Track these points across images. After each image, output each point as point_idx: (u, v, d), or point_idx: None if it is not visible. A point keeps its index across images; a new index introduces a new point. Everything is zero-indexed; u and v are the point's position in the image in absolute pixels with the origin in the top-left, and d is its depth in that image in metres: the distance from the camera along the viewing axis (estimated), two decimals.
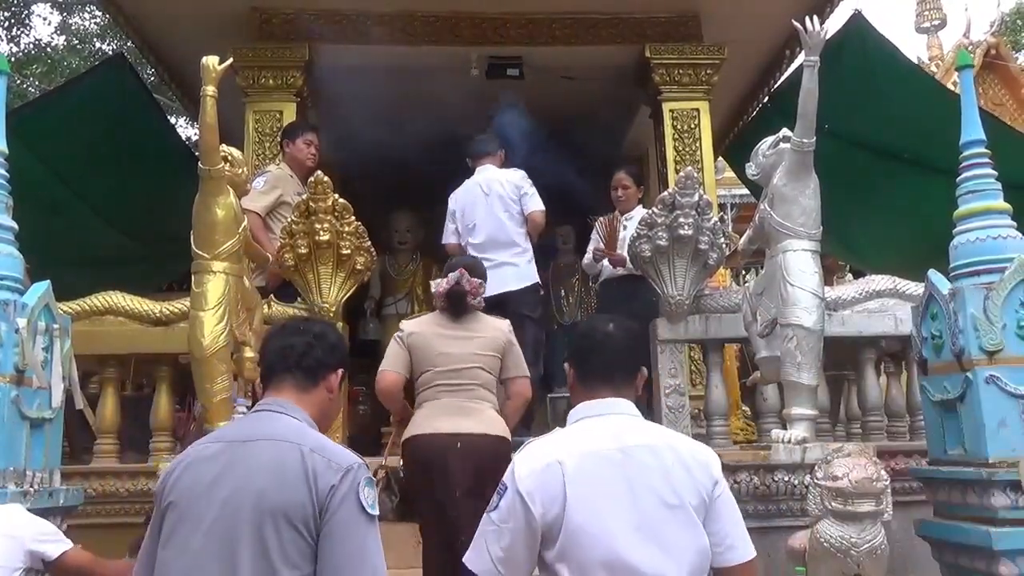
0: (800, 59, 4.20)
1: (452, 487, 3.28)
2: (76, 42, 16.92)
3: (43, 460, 3.37)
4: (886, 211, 6.82)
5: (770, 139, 4.25)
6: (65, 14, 17.07)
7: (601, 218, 5.68)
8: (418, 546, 3.68)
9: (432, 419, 3.40)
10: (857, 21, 6.28)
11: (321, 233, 4.26)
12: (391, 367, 3.53)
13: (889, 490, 3.32)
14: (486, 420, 3.42)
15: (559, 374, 5.73)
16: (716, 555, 1.97)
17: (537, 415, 5.22)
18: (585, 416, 2.07)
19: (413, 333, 3.54)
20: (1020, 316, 3.32)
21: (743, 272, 11.42)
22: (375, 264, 4.73)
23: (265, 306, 4.35)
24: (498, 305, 4.33)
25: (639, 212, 5.36)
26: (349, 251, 4.35)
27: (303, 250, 4.31)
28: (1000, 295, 3.33)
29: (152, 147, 6.82)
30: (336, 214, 4.31)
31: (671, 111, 6.46)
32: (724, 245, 4.70)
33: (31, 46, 16.46)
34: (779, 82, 7.30)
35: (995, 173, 3.64)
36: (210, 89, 3.58)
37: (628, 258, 4.95)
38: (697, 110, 6.47)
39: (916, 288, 4.48)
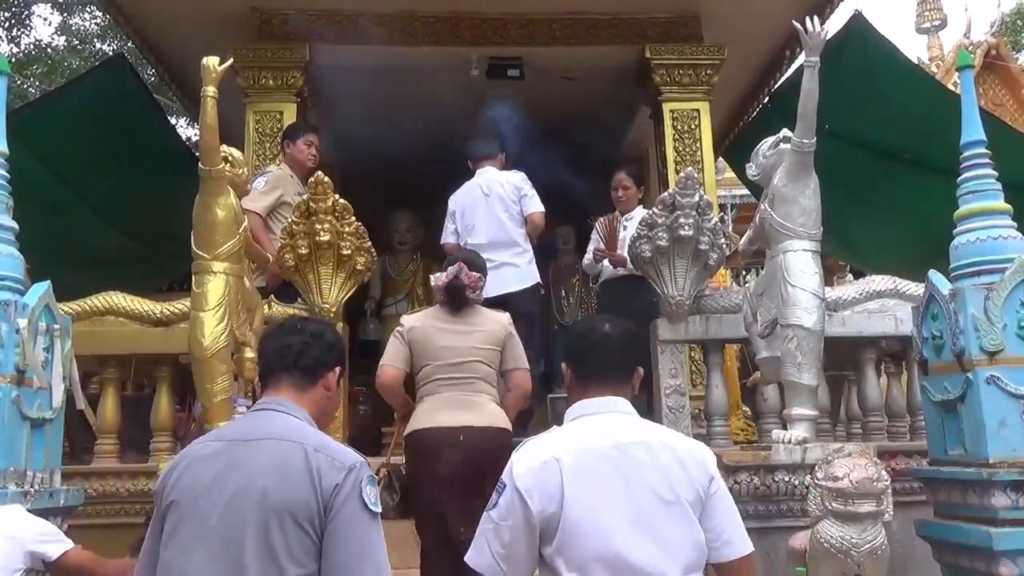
0: (800, 59, 4.20)
1: (455, 480, 3.29)
2: (76, 42, 16.93)
3: (44, 460, 3.37)
4: (886, 211, 6.82)
5: (770, 139, 4.25)
6: (65, 15, 17.09)
7: (601, 218, 5.69)
8: (418, 545, 3.69)
9: (434, 413, 3.42)
10: (857, 21, 6.28)
11: (321, 233, 4.26)
12: (391, 362, 3.55)
13: (889, 490, 3.32)
14: (487, 413, 3.45)
15: (559, 374, 5.75)
16: (713, 550, 2.00)
17: (537, 415, 5.23)
18: (582, 415, 2.10)
19: (413, 328, 3.57)
20: (1020, 316, 3.32)
21: (743, 272, 11.42)
22: (375, 264, 4.73)
23: (265, 306, 4.35)
24: (500, 306, 4.33)
25: (639, 212, 5.36)
26: (349, 251, 4.35)
27: (303, 250, 4.31)
28: (1000, 295, 3.33)
29: (152, 147, 6.82)
30: (336, 214, 4.31)
31: (671, 111, 6.46)
32: (724, 245, 4.70)
33: (31, 46, 16.47)
34: (779, 82, 7.30)
35: (995, 173, 3.64)
36: (210, 90, 3.58)
37: (628, 258, 4.96)
38: (697, 110, 6.47)
39: (916, 288, 4.48)
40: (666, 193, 4.57)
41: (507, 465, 2.04)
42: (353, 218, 4.37)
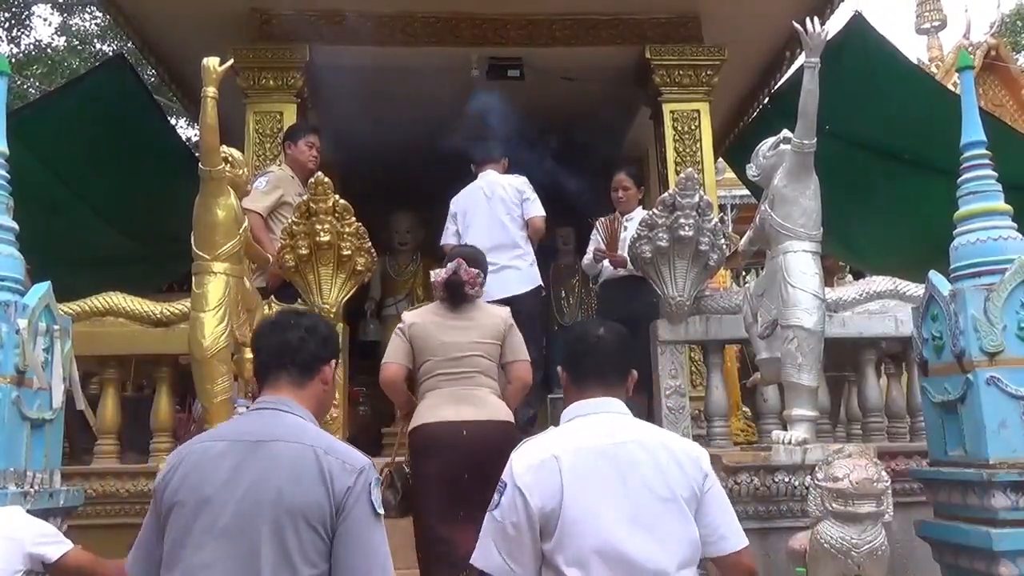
0: (800, 60, 4.19)
1: (459, 474, 3.32)
2: (76, 43, 16.93)
3: (43, 461, 3.37)
4: (886, 212, 6.82)
5: (771, 140, 4.24)
6: (65, 15, 17.08)
7: (602, 219, 5.69)
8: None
9: (436, 408, 3.46)
10: (857, 22, 6.28)
11: (322, 234, 4.25)
12: (393, 359, 3.60)
13: (889, 491, 3.31)
14: (489, 406, 3.50)
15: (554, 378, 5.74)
16: (710, 545, 2.07)
17: (538, 414, 5.24)
18: (578, 415, 2.17)
19: (413, 324, 3.61)
20: (1021, 317, 3.32)
21: (743, 273, 11.42)
22: (375, 265, 4.73)
23: (265, 307, 4.35)
24: None
25: (639, 213, 5.36)
26: (350, 252, 4.35)
27: (304, 251, 4.31)
28: (1001, 296, 3.32)
29: (152, 148, 6.82)
30: (337, 215, 4.30)
31: (671, 112, 6.46)
32: (724, 246, 4.70)
33: (31, 47, 16.48)
34: (779, 83, 7.30)
35: (995, 174, 3.64)
36: (211, 90, 3.58)
37: (628, 259, 4.96)
38: (697, 111, 6.47)
39: (917, 289, 4.48)
40: (666, 194, 4.57)
41: (507, 465, 2.08)
42: (353, 219, 4.37)
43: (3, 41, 15.95)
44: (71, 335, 3.66)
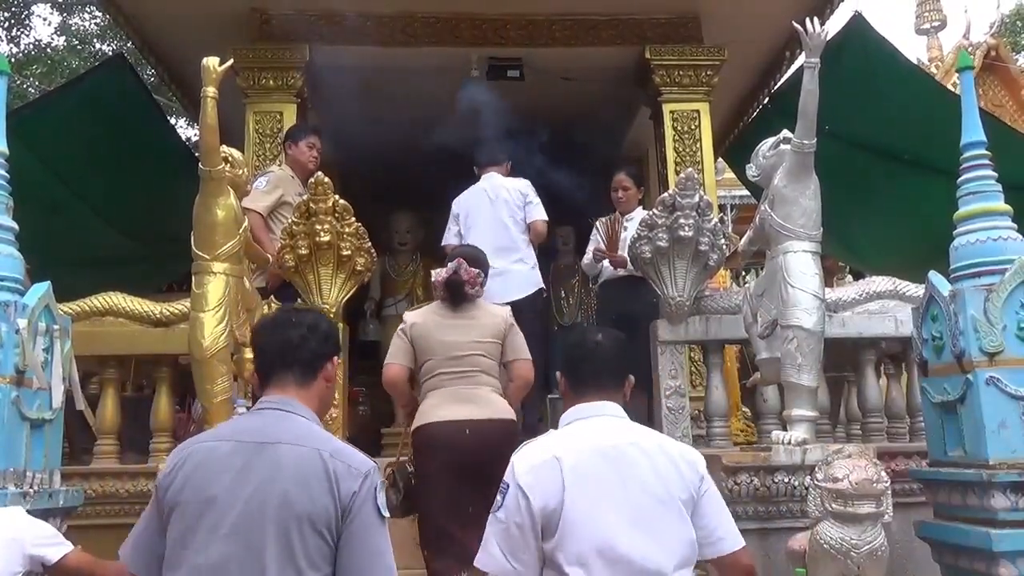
0: (800, 60, 4.19)
1: (462, 472, 3.35)
2: (76, 43, 16.93)
3: (43, 461, 3.37)
4: (886, 212, 6.82)
5: (770, 140, 4.24)
6: (65, 15, 17.08)
7: (602, 219, 5.69)
8: (418, 547, 3.69)
9: (438, 408, 3.49)
10: (857, 22, 6.28)
11: (321, 234, 4.25)
12: (395, 360, 3.64)
13: (889, 492, 3.31)
14: (491, 404, 3.53)
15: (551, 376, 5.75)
16: (708, 547, 2.12)
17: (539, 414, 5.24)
18: (577, 418, 2.22)
19: (415, 324, 3.64)
20: (1020, 318, 3.32)
21: (743, 273, 11.42)
22: (375, 265, 4.73)
23: (265, 307, 4.35)
24: None
25: (639, 213, 5.36)
26: (349, 252, 4.35)
27: (303, 251, 4.31)
28: (1000, 297, 3.32)
29: (152, 148, 6.82)
30: (336, 215, 4.30)
31: (671, 112, 6.46)
32: (724, 246, 4.70)
33: (31, 47, 16.48)
34: (779, 83, 7.30)
35: (995, 174, 3.64)
36: (211, 90, 3.58)
37: (628, 259, 4.95)
38: (697, 111, 6.47)
39: (916, 290, 4.48)
40: (666, 194, 4.57)
41: (509, 466, 2.12)
42: (353, 219, 4.37)
43: (3, 41, 15.97)
44: (71, 335, 3.66)
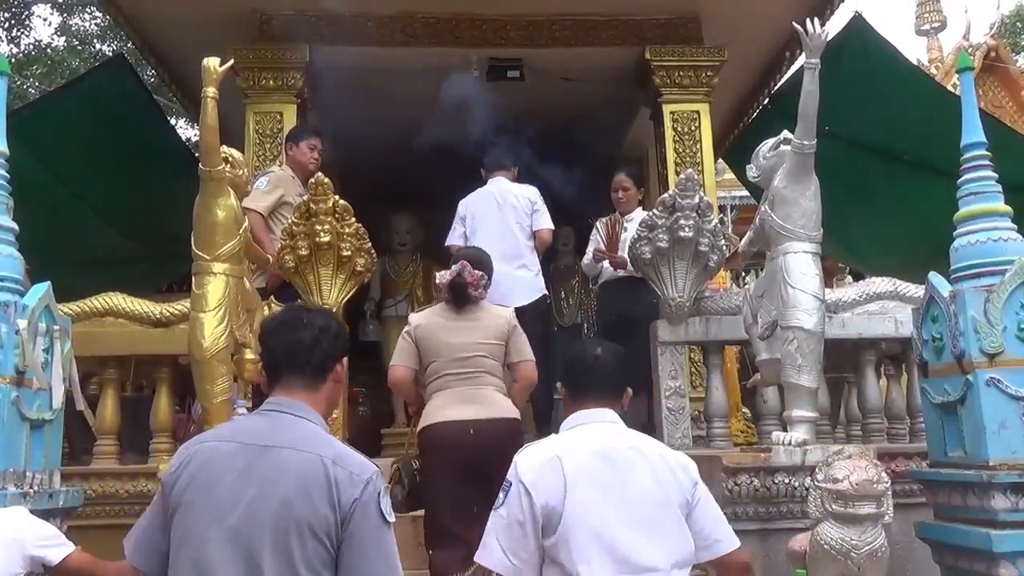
0: (800, 61, 4.19)
1: (467, 470, 3.38)
2: (76, 43, 16.92)
3: (43, 461, 3.37)
4: (886, 213, 6.82)
5: (771, 141, 4.24)
6: (65, 15, 17.07)
7: (602, 219, 5.69)
8: (418, 548, 3.70)
9: (443, 409, 3.54)
10: (857, 23, 6.28)
11: (322, 234, 4.25)
12: (400, 362, 3.70)
13: (889, 492, 3.31)
14: (495, 405, 3.57)
15: (556, 376, 5.75)
16: (705, 550, 2.21)
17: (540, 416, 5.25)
18: (577, 424, 2.32)
19: (419, 326, 3.69)
20: (1020, 318, 3.32)
21: (743, 274, 11.42)
22: (375, 266, 4.73)
23: (265, 307, 4.34)
24: None
25: (639, 214, 5.36)
26: (349, 252, 4.34)
27: (303, 251, 4.31)
28: (1001, 297, 3.32)
29: (152, 148, 6.82)
30: (337, 215, 4.30)
31: (671, 113, 6.46)
32: (724, 247, 4.70)
33: (31, 47, 16.47)
34: (779, 84, 7.30)
35: (996, 175, 3.64)
36: (211, 91, 3.58)
37: (628, 260, 4.95)
38: (697, 112, 6.47)
39: (916, 290, 4.48)
40: (666, 195, 4.57)
41: (511, 465, 2.21)
42: (353, 219, 4.36)
43: (3, 41, 15.96)
44: (71, 335, 3.66)
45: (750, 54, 6.87)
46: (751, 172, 4.37)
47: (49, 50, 16.66)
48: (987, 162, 3.65)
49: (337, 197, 4.33)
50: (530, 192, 5.26)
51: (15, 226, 3.48)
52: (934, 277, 3.64)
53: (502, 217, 5.13)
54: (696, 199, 4.42)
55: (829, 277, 6.95)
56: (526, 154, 5.61)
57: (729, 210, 12.79)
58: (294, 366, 2.04)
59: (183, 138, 9.81)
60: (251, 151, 6.00)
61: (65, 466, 3.86)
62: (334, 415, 4.48)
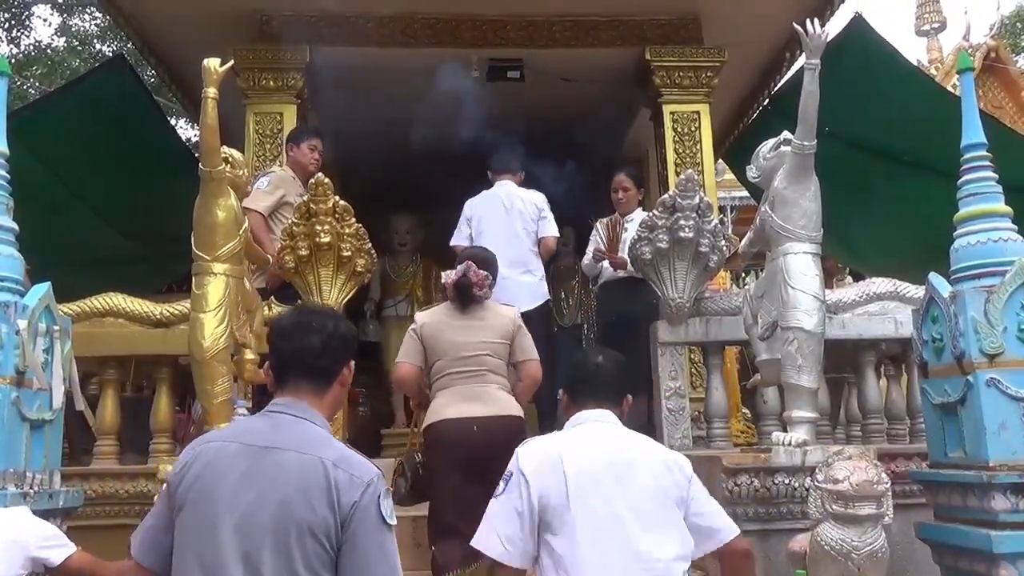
0: (800, 61, 4.19)
1: (470, 466, 3.43)
2: (76, 43, 16.93)
3: (43, 461, 3.37)
4: (886, 214, 6.82)
5: (771, 142, 4.24)
6: (65, 15, 17.08)
7: (602, 220, 5.69)
8: (418, 548, 3.72)
9: (447, 407, 3.60)
10: (857, 24, 6.28)
11: (322, 235, 4.25)
12: (406, 359, 3.76)
13: (890, 493, 3.31)
14: (498, 402, 3.63)
15: (558, 377, 5.77)
16: (708, 540, 2.32)
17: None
18: (579, 423, 2.43)
19: (425, 324, 3.76)
20: (1021, 319, 3.31)
21: (743, 274, 11.42)
22: (375, 266, 4.74)
23: (265, 308, 4.34)
24: None
25: (639, 214, 5.37)
26: (350, 253, 4.34)
27: (304, 252, 4.31)
28: (1001, 298, 3.32)
29: (152, 148, 6.82)
30: (337, 216, 4.30)
31: (671, 113, 6.46)
32: (724, 248, 4.70)
33: (31, 47, 16.47)
34: (779, 84, 7.30)
35: (996, 176, 3.64)
36: (211, 91, 3.58)
37: (628, 261, 4.95)
38: (697, 112, 6.47)
39: (916, 291, 4.48)
40: (666, 195, 4.57)
41: (513, 456, 2.31)
42: (353, 220, 4.36)
43: (3, 41, 15.97)
44: (71, 336, 3.66)
45: (750, 55, 6.87)
46: (751, 173, 4.36)
47: (49, 50, 16.67)
48: (987, 163, 3.64)
49: (337, 198, 4.33)
50: (537, 199, 5.30)
51: (15, 226, 3.48)
52: (934, 278, 3.64)
53: (509, 221, 5.16)
54: (696, 199, 4.42)
55: (829, 278, 6.96)
56: (526, 155, 5.62)
57: (729, 211, 12.79)
58: (301, 369, 2.05)
59: (183, 138, 9.81)
60: (251, 151, 5.99)
61: (65, 466, 3.85)
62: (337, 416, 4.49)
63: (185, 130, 14.16)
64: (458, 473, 3.46)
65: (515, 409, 3.67)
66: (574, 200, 5.88)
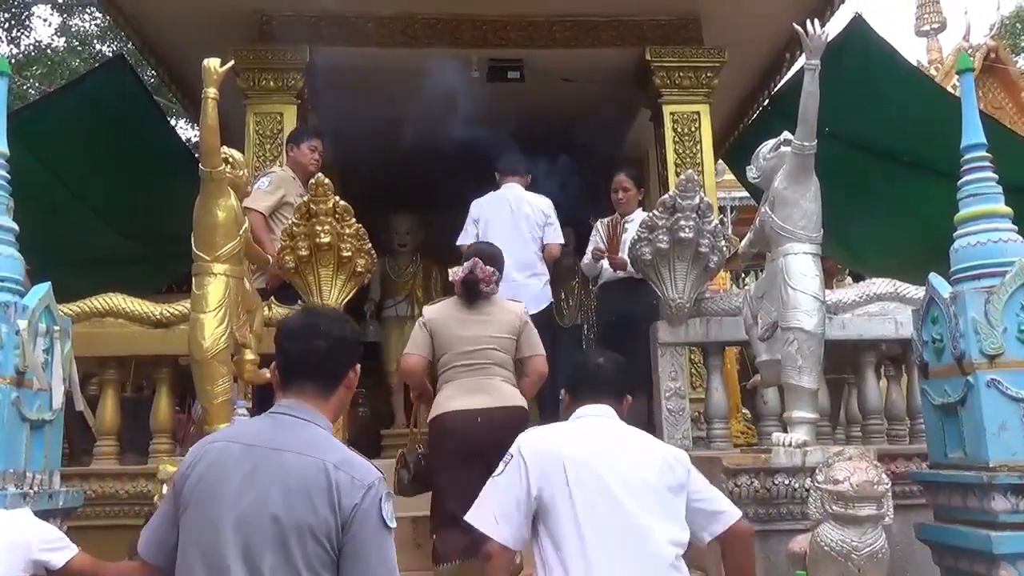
0: (800, 62, 4.19)
1: (474, 456, 3.44)
2: (76, 44, 16.93)
3: (43, 462, 3.36)
4: (886, 214, 6.82)
5: (771, 142, 4.23)
6: (65, 16, 17.08)
7: (603, 220, 5.69)
8: (418, 548, 3.72)
9: (453, 399, 3.66)
10: (858, 24, 6.28)
11: (322, 235, 4.25)
12: (414, 351, 3.82)
13: (890, 494, 3.30)
14: (502, 394, 3.69)
15: (560, 377, 5.77)
16: (713, 523, 2.40)
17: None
18: (579, 417, 2.52)
19: (433, 318, 3.82)
20: (1021, 320, 3.31)
21: (743, 275, 11.42)
22: (375, 266, 4.74)
23: (265, 308, 4.34)
24: None
25: (639, 214, 5.37)
26: (350, 253, 4.35)
27: (304, 252, 4.31)
28: (1001, 299, 3.32)
29: (152, 149, 6.82)
30: (337, 216, 4.31)
31: (671, 114, 6.46)
32: (725, 248, 4.70)
33: (31, 47, 16.47)
34: (779, 85, 7.30)
35: (996, 176, 3.64)
36: (211, 91, 3.57)
37: (628, 261, 4.95)
38: (697, 113, 6.47)
39: (917, 292, 4.48)
40: (666, 195, 4.57)
41: (514, 442, 2.40)
42: (353, 220, 4.37)
43: (3, 41, 15.97)
44: (71, 336, 3.66)
45: (750, 55, 6.87)
46: (751, 173, 4.36)
47: (49, 51, 16.67)
48: (987, 163, 3.64)
49: (337, 198, 4.33)
50: (545, 204, 5.34)
51: (15, 226, 3.47)
52: (934, 278, 3.64)
53: (516, 225, 5.20)
54: (696, 200, 4.42)
55: (829, 278, 6.95)
56: (526, 155, 5.62)
57: (729, 211, 12.79)
58: (307, 371, 2.08)
59: (183, 138, 9.81)
60: (251, 152, 5.99)
61: (65, 466, 3.85)
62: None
63: (185, 130, 14.18)
64: (462, 464, 3.48)
65: (519, 400, 3.72)
66: (574, 201, 5.88)
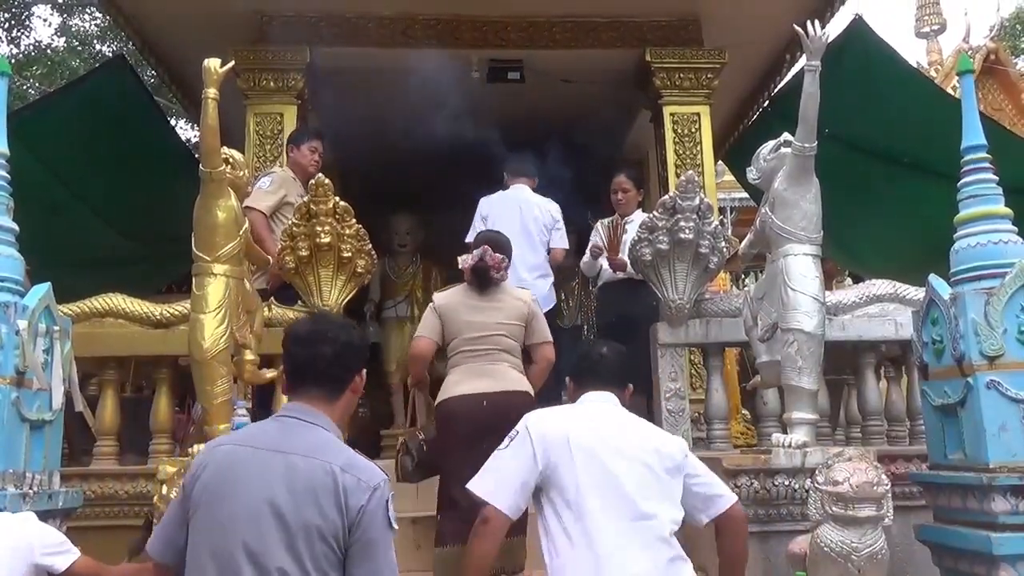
0: (801, 63, 4.19)
1: (479, 439, 3.43)
2: (76, 44, 16.92)
3: (43, 462, 3.36)
4: (886, 215, 6.82)
5: (771, 143, 4.24)
6: (65, 16, 17.08)
7: (603, 220, 5.69)
8: (418, 549, 3.72)
9: (460, 384, 3.74)
10: (858, 25, 6.29)
11: (322, 236, 4.25)
12: (425, 333, 3.91)
13: (890, 495, 3.31)
14: (508, 378, 3.76)
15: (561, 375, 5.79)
16: (711, 506, 2.49)
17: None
18: (584, 401, 2.63)
19: (443, 304, 3.90)
20: (1021, 321, 3.31)
21: (743, 276, 11.42)
22: (375, 267, 4.74)
23: (266, 308, 4.34)
24: None
25: (639, 215, 5.37)
26: (350, 254, 4.35)
27: (304, 252, 4.31)
28: (1001, 300, 3.32)
29: (152, 149, 6.82)
30: (337, 217, 4.31)
31: (671, 115, 6.47)
32: (725, 249, 4.70)
33: (31, 48, 16.47)
34: (780, 86, 7.30)
35: (996, 178, 3.64)
36: (211, 92, 3.57)
37: (628, 262, 4.95)
38: (698, 114, 6.48)
39: (917, 293, 4.48)
40: (667, 196, 4.57)
41: (521, 420, 2.49)
42: (353, 220, 4.37)
43: (3, 41, 15.97)
44: (71, 336, 3.66)
45: (750, 56, 6.87)
46: (751, 174, 4.36)
47: (49, 51, 16.67)
48: (987, 165, 3.64)
49: (337, 198, 4.33)
50: (553, 208, 5.39)
51: (15, 226, 3.47)
52: (934, 280, 3.64)
53: (523, 226, 5.24)
54: (696, 201, 4.42)
55: (828, 279, 6.94)
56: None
57: (729, 212, 12.80)
58: (314, 376, 2.12)
59: (183, 139, 9.82)
60: (251, 152, 6.00)
61: (65, 467, 3.85)
62: None
63: (185, 130, 14.17)
64: (467, 447, 3.48)
65: (524, 384, 3.79)
66: (574, 201, 5.88)
